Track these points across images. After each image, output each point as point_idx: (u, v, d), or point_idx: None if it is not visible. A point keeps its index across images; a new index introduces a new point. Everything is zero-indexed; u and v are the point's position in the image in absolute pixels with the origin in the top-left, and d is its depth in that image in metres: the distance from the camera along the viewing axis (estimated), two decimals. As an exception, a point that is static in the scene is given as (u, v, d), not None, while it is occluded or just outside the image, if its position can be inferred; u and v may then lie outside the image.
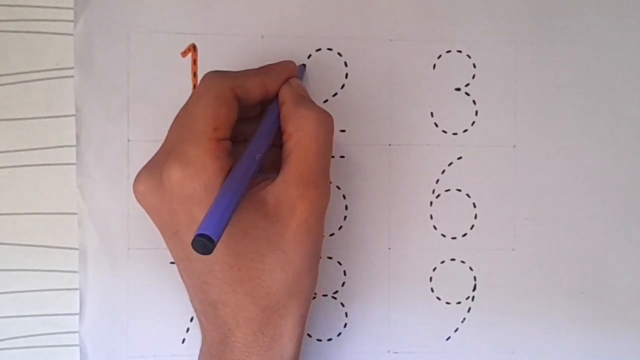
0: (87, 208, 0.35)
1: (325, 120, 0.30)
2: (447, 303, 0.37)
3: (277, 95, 0.32)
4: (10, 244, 0.35)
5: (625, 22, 0.37)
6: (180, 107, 0.32)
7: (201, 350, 0.31)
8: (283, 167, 0.30)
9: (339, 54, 0.36)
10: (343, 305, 0.36)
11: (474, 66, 0.36)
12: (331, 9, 0.36)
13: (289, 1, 0.36)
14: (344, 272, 0.36)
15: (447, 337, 0.37)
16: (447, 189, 0.36)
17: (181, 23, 0.35)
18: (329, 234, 0.36)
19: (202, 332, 0.31)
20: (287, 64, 0.33)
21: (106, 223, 0.35)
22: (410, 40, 0.36)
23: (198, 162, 0.28)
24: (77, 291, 0.35)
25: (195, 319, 0.35)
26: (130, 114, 0.35)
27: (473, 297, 0.37)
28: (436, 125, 0.36)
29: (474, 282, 0.37)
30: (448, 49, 0.36)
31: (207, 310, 0.30)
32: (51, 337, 0.35)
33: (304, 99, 0.32)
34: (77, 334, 0.35)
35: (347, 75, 0.36)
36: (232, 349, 0.29)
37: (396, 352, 0.36)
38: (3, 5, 0.35)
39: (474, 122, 0.37)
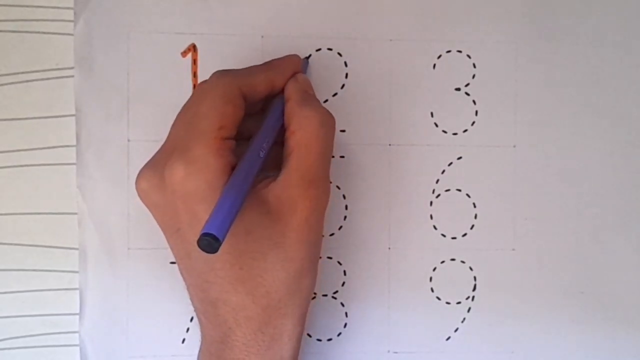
0: (87, 208, 0.35)
1: (328, 122, 0.31)
2: (447, 303, 0.37)
3: (282, 91, 0.32)
4: (10, 244, 0.35)
5: (626, 22, 0.37)
6: (180, 106, 0.32)
7: (200, 349, 0.31)
8: (284, 166, 0.30)
9: (339, 54, 0.36)
10: (343, 305, 0.36)
11: (474, 66, 0.36)
12: (331, 9, 0.36)
13: (289, 1, 0.36)
14: (344, 272, 0.36)
15: (447, 337, 0.37)
16: (447, 189, 0.36)
17: (181, 23, 0.35)
18: (329, 234, 0.36)
19: (202, 331, 0.31)
20: (292, 58, 0.33)
21: (106, 223, 0.35)
22: (410, 40, 0.36)
23: (202, 160, 0.28)
24: (77, 291, 0.35)
25: (195, 319, 0.35)
26: (130, 114, 0.35)
27: (473, 297, 0.37)
28: (436, 125, 0.36)
29: (474, 282, 0.37)
30: (448, 49, 0.36)
31: (207, 309, 0.30)
32: (51, 337, 0.35)
33: (309, 98, 0.32)
34: (77, 334, 0.35)
35: (347, 75, 0.36)
36: (232, 348, 0.29)
37: (396, 352, 0.36)
38: (3, 5, 0.35)
39: (474, 122, 0.37)
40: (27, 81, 0.35)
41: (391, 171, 0.36)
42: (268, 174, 0.30)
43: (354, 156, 0.36)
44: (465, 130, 0.37)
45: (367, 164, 0.36)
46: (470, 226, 0.37)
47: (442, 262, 0.37)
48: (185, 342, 0.36)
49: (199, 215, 0.28)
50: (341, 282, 0.36)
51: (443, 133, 0.36)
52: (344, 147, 0.36)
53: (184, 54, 0.35)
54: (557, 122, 0.37)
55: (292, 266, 0.29)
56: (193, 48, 0.35)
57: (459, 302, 0.37)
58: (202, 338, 0.31)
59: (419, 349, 0.36)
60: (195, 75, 0.35)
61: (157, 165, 0.29)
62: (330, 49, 0.36)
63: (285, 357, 0.30)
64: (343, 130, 0.36)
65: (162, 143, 0.31)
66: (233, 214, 0.26)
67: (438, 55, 0.36)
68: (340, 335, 0.36)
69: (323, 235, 0.33)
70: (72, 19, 0.35)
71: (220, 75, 0.31)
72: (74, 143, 0.35)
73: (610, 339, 0.37)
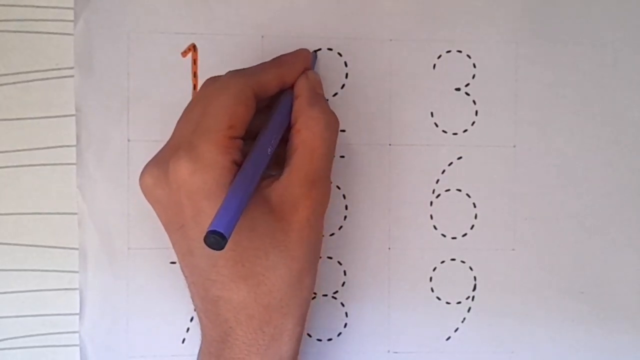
0: (87, 208, 0.35)
1: (333, 124, 0.31)
2: (447, 303, 0.37)
3: (291, 86, 0.32)
4: (10, 244, 0.35)
5: (625, 22, 0.37)
6: (180, 106, 0.32)
7: (200, 349, 0.31)
8: (288, 164, 0.30)
9: (339, 54, 0.36)
10: (343, 305, 0.36)
11: (474, 66, 0.36)
12: (331, 9, 0.36)
13: (289, 1, 0.36)
14: (344, 272, 0.36)
15: (447, 337, 0.37)
16: (447, 189, 0.36)
17: (181, 23, 0.35)
18: (329, 234, 0.36)
19: (202, 330, 0.31)
20: (302, 53, 0.34)
21: (106, 223, 0.35)
22: (410, 40, 0.36)
23: (209, 157, 0.28)
24: (77, 291, 0.35)
25: (195, 319, 0.35)
26: (130, 114, 0.35)
27: (473, 297, 0.37)
28: (436, 125, 0.36)
29: (474, 282, 0.37)
30: (448, 49, 0.36)
31: (208, 307, 0.30)
32: (51, 337, 0.35)
33: (318, 98, 0.32)
34: (77, 334, 0.35)
35: (347, 75, 0.36)
36: (232, 347, 0.29)
37: (396, 352, 0.36)
38: (3, 5, 0.35)
39: (474, 122, 0.37)
40: (27, 81, 0.35)
41: (391, 171, 0.36)
42: (270, 172, 0.30)
43: (354, 156, 0.36)
44: (465, 130, 0.37)
45: (367, 164, 0.36)
46: (470, 226, 0.37)
47: (442, 262, 0.37)
48: (185, 342, 0.36)
49: (204, 212, 0.28)
50: (341, 282, 0.36)
51: (443, 133, 0.36)
52: (344, 147, 0.36)
53: (184, 54, 0.35)
54: (557, 122, 0.37)
55: (294, 265, 0.29)
56: (193, 48, 0.35)
57: (459, 302, 0.37)
58: (202, 337, 0.31)
59: (419, 349, 0.36)
60: (195, 75, 0.35)
61: (161, 162, 0.29)
62: (330, 49, 0.36)
63: (285, 356, 0.30)
64: (343, 130, 0.36)
65: (162, 143, 0.31)
66: (240, 211, 0.26)
67: (438, 55, 0.36)
68: (340, 335, 0.36)
69: (323, 235, 0.33)
70: (72, 19, 0.35)
71: (233, 75, 0.31)
72: (74, 143, 0.35)
73: (610, 339, 0.37)
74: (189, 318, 0.35)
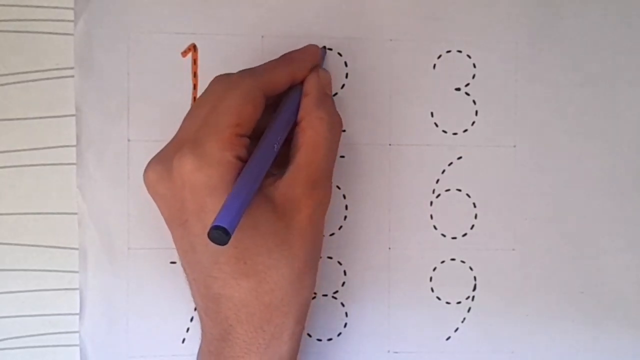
0: (87, 208, 0.35)
1: (337, 126, 0.32)
2: (447, 303, 0.37)
3: (301, 82, 0.32)
4: (10, 244, 0.35)
5: (625, 22, 0.37)
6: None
7: (200, 348, 0.31)
8: (291, 163, 0.30)
9: (339, 54, 0.36)
10: (343, 305, 0.36)
11: (474, 66, 0.36)
12: (331, 9, 0.36)
13: (289, 1, 0.36)
14: (344, 272, 0.36)
15: (447, 337, 0.37)
16: (447, 189, 0.37)
17: (181, 23, 0.35)
18: (329, 234, 0.36)
19: (202, 329, 0.31)
20: (311, 49, 0.34)
21: (106, 223, 0.35)
22: (410, 40, 0.36)
23: (215, 154, 0.28)
24: (77, 291, 0.35)
25: (195, 319, 0.35)
26: (130, 114, 0.35)
27: (473, 297, 0.37)
28: (436, 125, 0.36)
29: (474, 282, 0.37)
30: (448, 49, 0.36)
31: (208, 305, 0.30)
32: (51, 337, 0.35)
33: (325, 98, 0.32)
34: (77, 334, 0.35)
35: (347, 75, 0.36)
36: (232, 345, 0.29)
37: (396, 352, 0.36)
38: (3, 5, 0.35)
39: (474, 122, 0.37)
40: (27, 81, 0.35)
41: (391, 171, 0.36)
42: (272, 171, 0.30)
43: (354, 156, 0.36)
44: (465, 130, 0.37)
45: (367, 164, 0.36)
46: (470, 226, 0.37)
47: (442, 262, 0.37)
48: (185, 342, 0.36)
49: (207, 208, 0.28)
50: (341, 282, 0.36)
51: (443, 133, 0.36)
52: (344, 147, 0.36)
53: (184, 54, 0.35)
54: (557, 122, 0.37)
55: (295, 263, 0.29)
56: (193, 48, 0.35)
57: (459, 302, 0.37)
58: (202, 336, 0.31)
59: (419, 349, 0.36)
60: (195, 75, 0.35)
61: (166, 157, 0.29)
62: (330, 49, 0.36)
63: (285, 356, 0.30)
64: (343, 130, 0.36)
65: (162, 143, 0.31)
66: (244, 207, 0.27)
67: (438, 55, 0.36)
68: (340, 335, 0.36)
69: (324, 235, 0.33)
70: (72, 19, 0.35)
71: (243, 74, 0.31)
72: (74, 143, 0.35)
73: (610, 339, 0.37)
74: (189, 318, 0.35)
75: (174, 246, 0.31)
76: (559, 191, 0.37)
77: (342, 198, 0.36)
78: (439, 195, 0.36)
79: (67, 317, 0.35)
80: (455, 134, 0.36)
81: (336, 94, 0.36)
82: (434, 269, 0.37)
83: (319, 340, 0.36)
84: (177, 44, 0.35)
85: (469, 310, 0.37)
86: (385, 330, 0.36)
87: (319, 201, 0.30)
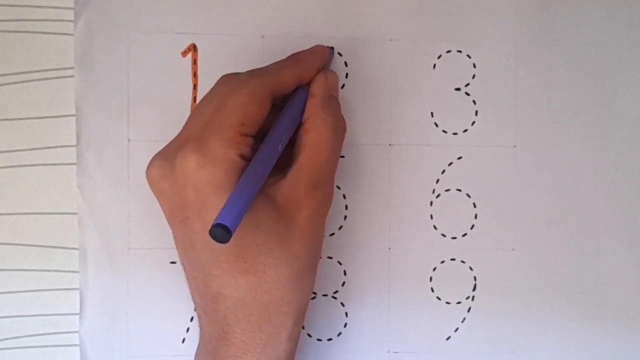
0: (87, 208, 0.35)
1: (341, 129, 0.32)
2: (447, 303, 0.37)
3: (307, 84, 0.33)
4: (10, 244, 0.35)
5: (625, 22, 0.37)
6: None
7: (198, 347, 0.31)
8: (294, 163, 0.30)
9: (339, 54, 0.36)
10: (343, 305, 0.36)
11: (474, 66, 0.36)
12: (331, 9, 0.36)
13: (289, 1, 0.36)
14: (344, 272, 0.36)
15: (447, 337, 0.37)
16: (447, 189, 0.37)
17: (181, 23, 0.35)
18: (329, 234, 0.36)
19: (200, 328, 0.31)
20: (319, 50, 0.34)
21: (106, 223, 0.35)
22: (410, 40, 0.36)
23: (218, 151, 0.28)
24: (77, 291, 0.35)
25: (195, 319, 0.35)
26: (130, 114, 0.35)
27: (473, 297, 0.37)
28: (436, 125, 0.36)
29: (474, 282, 0.37)
30: (448, 49, 0.36)
31: (207, 304, 0.30)
32: (51, 337, 0.35)
33: (331, 101, 0.32)
34: (77, 334, 0.35)
35: (347, 75, 0.36)
36: (229, 345, 0.29)
37: (396, 352, 0.36)
38: (3, 5, 0.35)
39: (474, 122, 0.37)
40: (27, 81, 0.35)
41: (391, 171, 0.36)
42: (274, 172, 0.30)
43: (354, 156, 0.36)
44: (465, 130, 0.37)
45: (367, 164, 0.36)
46: (470, 226, 0.37)
47: (442, 262, 0.37)
48: (185, 342, 0.36)
49: (209, 205, 0.28)
50: (341, 282, 0.36)
51: (443, 133, 0.36)
52: (344, 147, 0.36)
53: (184, 54, 0.35)
54: (557, 122, 0.37)
55: (296, 264, 0.29)
56: (193, 48, 0.35)
57: (459, 302, 0.37)
58: (200, 335, 0.31)
59: (419, 349, 0.36)
60: (195, 75, 0.35)
61: (169, 154, 0.29)
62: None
63: (282, 356, 0.30)
64: (343, 130, 0.36)
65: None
66: (247, 206, 0.26)
67: (438, 55, 0.36)
68: (340, 335, 0.36)
69: (324, 237, 0.33)
70: (72, 19, 0.35)
71: (250, 74, 0.31)
72: (74, 143, 0.35)
73: (610, 339, 0.37)
74: (189, 318, 0.35)
75: (174, 246, 0.31)
76: (559, 191, 0.37)
77: (342, 198, 0.36)
78: (439, 195, 0.36)
79: (67, 317, 0.35)
80: (455, 134, 0.36)
81: (336, 94, 0.36)
82: (434, 269, 0.37)
83: (319, 340, 0.36)
84: (177, 44, 0.35)
85: (469, 310, 0.37)
86: (385, 330, 0.36)
87: (321, 202, 0.31)
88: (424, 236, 0.36)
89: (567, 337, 0.37)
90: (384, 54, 0.36)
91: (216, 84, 0.31)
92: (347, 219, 0.36)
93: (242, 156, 0.28)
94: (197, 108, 0.31)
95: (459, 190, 0.37)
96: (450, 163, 0.36)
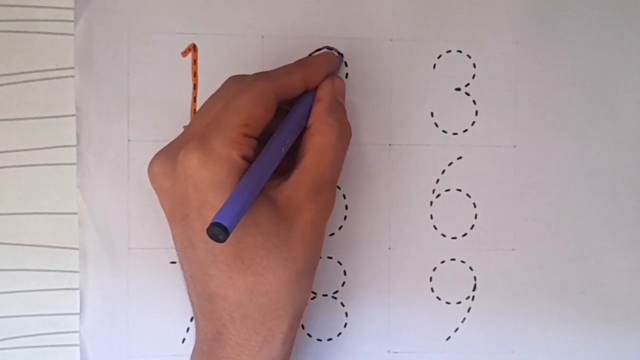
0: (87, 208, 0.35)
1: (346, 135, 0.32)
2: (447, 303, 0.37)
3: (314, 89, 0.33)
4: (10, 244, 0.35)
5: (626, 22, 0.37)
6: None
7: (194, 348, 0.31)
8: (297, 167, 0.30)
9: (339, 53, 0.36)
10: (343, 305, 0.36)
11: (474, 66, 0.36)
12: (331, 9, 0.36)
13: (289, 1, 0.36)
14: (344, 272, 0.36)
15: (447, 337, 0.37)
16: (447, 189, 0.37)
17: (181, 23, 0.35)
18: (329, 234, 0.36)
19: (197, 328, 0.31)
20: (328, 56, 0.34)
21: (106, 223, 0.35)
22: (410, 40, 0.36)
23: (221, 151, 0.28)
24: (77, 291, 0.35)
25: (195, 319, 0.35)
26: (130, 114, 0.35)
27: (473, 297, 0.37)
28: (436, 125, 0.36)
29: (474, 282, 0.37)
30: (448, 49, 0.36)
31: (203, 304, 0.30)
32: (51, 337, 0.35)
33: (337, 106, 0.33)
34: (77, 334, 0.35)
35: (347, 75, 0.36)
36: (224, 346, 0.29)
37: (396, 352, 0.36)
38: (3, 5, 0.35)
39: (474, 122, 0.37)
40: (27, 81, 0.35)
41: (391, 171, 0.36)
42: (277, 175, 0.30)
43: (354, 156, 0.36)
44: (465, 130, 0.37)
45: (367, 164, 0.36)
46: (470, 226, 0.37)
47: (442, 262, 0.37)
48: (185, 342, 0.36)
49: (210, 204, 0.28)
50: (341, 282, 0.36)
51: (443, 133, 0.36)
52: (344, 147, 0.36)
53: (184, 54, 0.35)
54: (557, 122, 0.37)
55: (294, 267, 0.29)
56: (193, 48, 0.35)
57: (459, 302, 0.37)
58: (196, 336, 0.31)
59: (419, 349, 0.36)
60: (195, 75, 0.35)
61: (172, 152, 0.29)
62: (330, 49, 0.36)
63: (277, 359, 0.30)
64: (343, 130, 0.36)
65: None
66: (246, 207, 0.26)
67: (438, 55, 0.36)
68: (340, 335, 0.36)
69: (323, 242, 0.33)
70: (72, 19, 0.35)
71: (258, 77, 0.31)
72: (74, 143, 0.35)
73: (610, 339, 0.37)
74: (189, 318, 0.35)
75: (174, 246, 0.31)
76: (559, 191, 0.37)
77: (342, 198, 0.36)
78: (439, 195, 0.36)
79: (67, 317, 0.35)
80: (455, 134, 0.36)
81: (336, 94, 0.36)
82: (434, 269, 0.37)
83: (319, 340, 0.36)
84: (177, 44, 0.35)
85: (469, 310, 0.37)
86: (385, 330, 0.36)
87: (323, 206, 0.31)
88: (424, 236, 0.36)
89: (567, 337, 0.37)
90: (384, 54, 0.36)
91: (223, 84, 0.31)
92: (347, 219, 0.36)
93: (244, 157, 0.28)
94: (203, 107, 0.31)
95: (459, 190, 0.37)
96: (450, 163, 0.37)
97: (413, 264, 0.36)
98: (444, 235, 0.37)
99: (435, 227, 0.37)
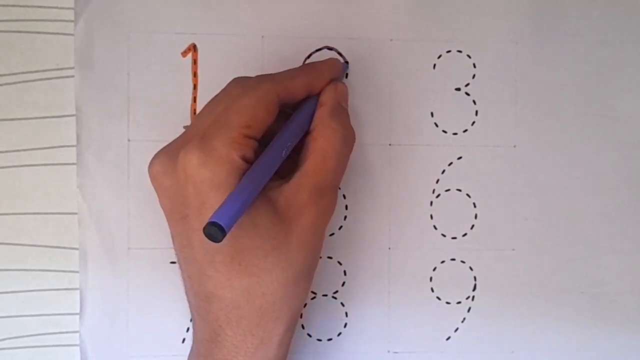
0: (87, 208, 0.35)
1: (350, 139, 0.32)
2: (447, 303, 0.37)
3: (317, 94, 0.32)
4: (10, 244, 0.35)
5: (626, 22, 0.37)
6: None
7: (191, 349, 0.31)
8: (299, 169, 0.30)
9: (339, 53, 0.36)
10: (343, 305, 0.36)
11: (474, 66, 0.36)
12: (331, 9, 0.36)
13: (289, 1, 0.36)
14: (344, 272, 0.36)
15: (447, 337, 0.37)
16: (447, 189, 0.37)
17: (181, 23, 0.35)
18: (329, 234, 0.36)
19: (194, 329, 0.31)
20: (332, 62, 0.34)
21: (106, 223, 0.35)
22: (410, 40, 0.36)
23: (221, 151, 0.28)
24: (77, 291, 0.35)
25: (195, 319, 0.35)
26: (130, 114, 0.35)
27: (473, 297, 0.37)
28: (436, 125, 0.36)
29: (474, 282, 0.37)
30: (448, 49, 0.36)
31: (200, 304, 0.30)
32: (51, 337, 0.35)
33: (341, 111, 0.32)
34: (77, 334, 0.35)
35: (347, 75, 0.36)
36: (221, 347, 0.29)
37: (396, 352, 0.36)
38: (3, 5, 0.35)
39: (474, 122, 0.37)
40: (27, 81, 0.35)
41: (391, 171, 0.36)
42: (276, 177, 0.30)
43: (354, 156, 0.36)
44: (465, 130, 0.37)
45: (367, 164, 0.36)
46: (470, 226, 0.37)
47: (442, 262, 0.37)
48: (185, 342, 0.36)
49: (209, 204, 0.28)
50: (341, 282, 0.36)
51: (443, 133, 0.36)
52: (344, 147, 0.36)
53: (184, 54, 0.35)
54: (557, 122, 0.37)
55: (291, 269, 0.29)
56: (193, 48, 0.35)
57: (459, 302, 0.37)
58: (193, 337, 0.31)
59: (419, 349, 0.36)
60: (195, 75, 0.35)
61: (173, 151, 0.29)
62: (330, 49, 0.36)
63: None
64: (343, 130, 0.36)
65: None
66: (244, 208, 0.26)
67: (438, 55, 0.36)
68: (340, 335, 0.36)
69: (322, 246, 0.33)
70: (72, 19, 0.35)
71: (261, 78, 0.31)
72: (74, 143, 0.35)
73: (610, 339, 0.37)
74: (189, 318, 0.35)
75: (173, 246, 0.31)
76: (559, 191, 0.37)
77: (342, 198, 0.36)
78: (439, 195, 0.36)
79: (67, 317, 0.35)
80: (455, 134, 0.37)
81: (336, 94, 0.36)
82: (434, 269, 0.37)
83: (319, 340, 0.36)
84: (177, 44, 0.35)
85: (469, 310, 0.37)
86: (385, 330, 0.36)
87: (323, 210, 0.30)
88: (424, 236, 0.36)
89: (567, 337, 0.37)
90: (384, 54, 0.36)
91: (226, 86, 0.31)
92: (347, 219, 0.36)
93: (244, 158, 0.28)
94: (206, 108, 0.31)
95: (459, 190, 0.37)
96: (450, 163, 0.37)
97: (413, 264, 0.36)
98: (444, 235, 0.37)
99: (435, 227, 0.37)
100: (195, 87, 0.35)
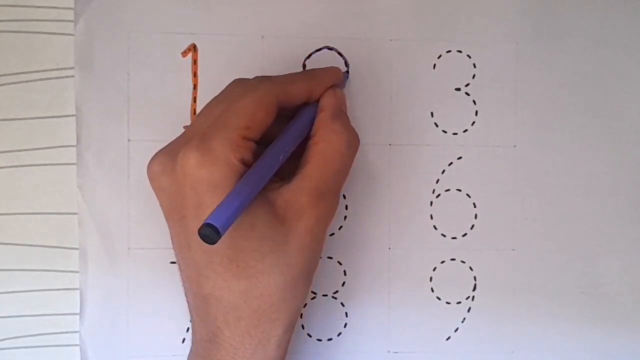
0: (87, 208, 0.35)
1: (354, 143, 0.32)
2: (447, 303, 0.37)
3: (317, 100, 0.32)
4: (10, 244, 0.35)
5: (625, 22, 0.37)
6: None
7: (190, 350, 0.31)
8: (299, 172, 0.30)
9: (339, 54, 0.36)
10: (343, 305, 0.36)
11: (474, 66, 0.36)
12: (331, 9, 0.36)
13: (289, 1, 0.36)
14: (344, 272, 0.36)
15: (447, 337, 0.37)
16: (447, 188, 0.37)
17: (181, 23, 0.35)
18: (329, 234, 0.36)
19: (193, 329, 0.31)
20: (334, 70, 0.34)
21: (106, 223, 0.35)
22: (410, 40, 0.36)
23: (220, 152, 0.28)
24: (77, 291, 0.35)
25: (195, 319, 0.35)
26: (130, 114, 0.35)
27: (473, 297, 0.37)
28: (436, 125, 0.36)
29: (474, 282, 0.37)
30: (448, 49, 0.36)
31: (199, 305, 0.30)
32: (51, 337, 0.35)
33: (342, 115, 0.32)
34: (77, 334, 0.35)
35: (347, 75, 0.36)
36: (219, 348, 0.29)
37: (396, 352, 0.36)
38: (3, 5, 0.35)
39: (474, 122, 0.37)
40: (27, 81, 0.35)
41: (391, 171, 0.36)
42: (276, 179, 0.30)
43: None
44: (465, 130, 0.37)
45: (367, 164, 0.36)
46: (470, 226, 0.37)
47: (442, 262, 0.37)
48: (185, 342, 0.36)
49: (206, 205, 0.28)
50: (341, 282, 0.36)
51: (443, 133, 0.36)
52: (344, 147, 0.36)
53: (184, 54, 0.35)
54: (557, 122, 0.37)
55: (290, 272, 0.29)
56: (193, 48, 0.35)
57: (459, 302, 0.37)
58: (192, 337, 0.31)
59: (419, 349, 0.36)
60: (195, 75, 0.35)
61: (172, 151, 0.29)
62: (330, 49, 0.36)
63: None
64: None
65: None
66: (240, 209, 0.26)
67: (438, 55, 0.36)
68: (340, 335, 0.36)
69: (322, 249, 0.33)
70: (72, 19, 0.35)
71: (261, 80, 0.31)
72: (74, 143, 0.35)
73: (610, 339, 0.37)
74: (189, 318, 0.35)
75: (172, 246, 0.31)
76: (559, 191, 0.37)
77: (342, 198, 0.36)
78: (439, 195, 0.36)
79: (67, 317, 0.35)
80: (455, 134, 0.37)
81: (336, 94, 0.36)
82: (434, 269, 0.37)
83: (319, 340, 0.36)
84: (177, 44, 0.35)
85: (469, 310, 0.37)
86: (385, 330, 0.36)
87: (324, 213, 0.30)
88: (424, 236, 0.36)
89: (567, 337, 0.37)
90: (384, 54, 0.36)
91: (227, 86, 0.31)
92: (347, 219, 0.36)
93: (242, 160, 0.28)
94: (206, 108, 0.31)
95: (459, 190, 0.37)
96: (450, 163, 0.37)
97: (413, 264, 0.36)
98: (444, 235, 0.37)
99: (435, 227, 0.37)
100: (195, 87, 0.35)
